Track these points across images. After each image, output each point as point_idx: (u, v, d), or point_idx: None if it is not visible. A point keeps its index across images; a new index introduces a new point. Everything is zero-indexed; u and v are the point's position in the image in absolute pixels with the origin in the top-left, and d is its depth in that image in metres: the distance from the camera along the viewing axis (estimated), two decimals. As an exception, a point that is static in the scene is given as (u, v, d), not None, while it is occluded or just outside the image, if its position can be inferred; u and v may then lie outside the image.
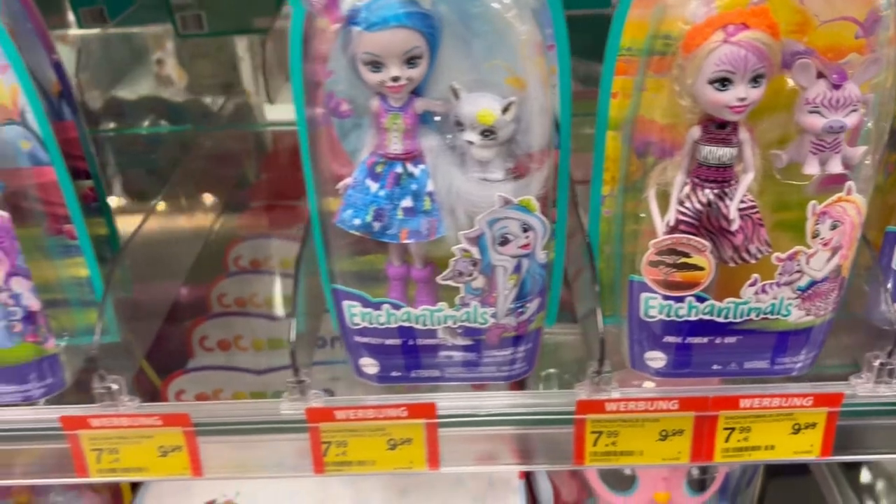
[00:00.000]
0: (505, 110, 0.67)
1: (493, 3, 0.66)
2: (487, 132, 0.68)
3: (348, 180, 0.73)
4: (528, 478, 1.14)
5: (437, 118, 0.71)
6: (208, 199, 1.50)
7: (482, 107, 0.67)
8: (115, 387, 0.77)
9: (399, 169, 0.71)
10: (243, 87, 1.66)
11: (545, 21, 0.68)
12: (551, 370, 1.14)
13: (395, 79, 0.66)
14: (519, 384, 0.91)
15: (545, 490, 1.07)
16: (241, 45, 1.90)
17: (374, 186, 0.72)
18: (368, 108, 0.71)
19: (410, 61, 0.66)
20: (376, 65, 0.66)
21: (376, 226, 0.72)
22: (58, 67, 0.81)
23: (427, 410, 0.77)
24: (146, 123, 1.75)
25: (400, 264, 0.78)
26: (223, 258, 1.41)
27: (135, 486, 1.15)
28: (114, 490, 1.13)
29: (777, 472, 1.32)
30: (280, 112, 1.84)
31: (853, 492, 1.32)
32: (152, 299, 1.01)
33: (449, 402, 0.78)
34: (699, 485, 1.03)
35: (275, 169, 1.80)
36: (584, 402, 0.76)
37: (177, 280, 1.14)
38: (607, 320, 0.83)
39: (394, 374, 0.81)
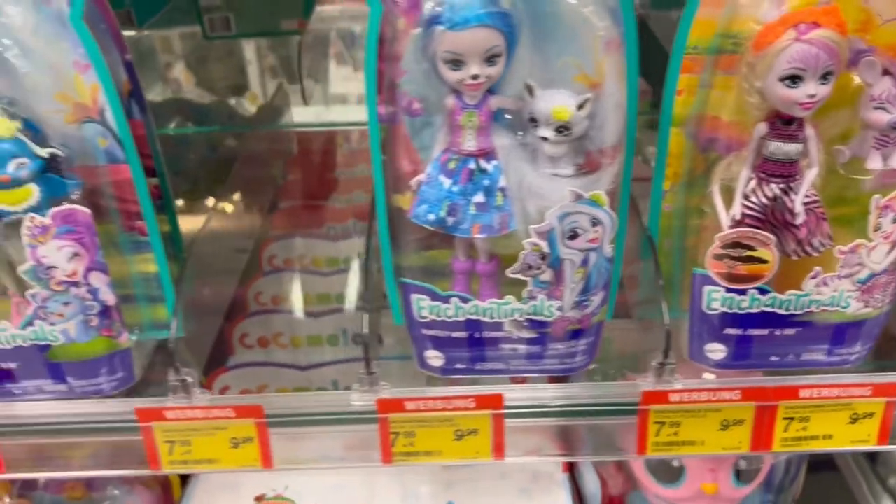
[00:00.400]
0: (580, 107, 0.69)
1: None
2: (562, 128, 0.69)
3: (422, 177, 0.74)
4: (571, 471, 1.16)
5: (508, 115, 0.73)
6: (254, 199, 1.52)
7: (557, 103, 0.69)
8: (189, 379, 0.79)
9: (472, 165, 0.73)
10: (284, 89, 1.67)
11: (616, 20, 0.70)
12: (593, 365, 1.16)
13: (475, 77, 0.68)
14: (560, 378, 0.92)
15: (592, 482, 1.09)
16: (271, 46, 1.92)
17: (447, 182, 0.73)
18: (440, 106, 0.73)
19: (490, 60, 0.67)
20: (457, 63, 0.67)
21: (450, 221, 0.74)
22: (129, 67, 0.82)
23: (494, 401, 0.79)
24: (172, 125, 1.77)
25: (465, 258, 0.80)
26: (258, 257, 1.43)
27: (184, 481, 1.17)
28: (164, 484, 1.14)
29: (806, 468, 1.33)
30: (307, 114, 1.87)
31: (881, 487, 1.33)
32: (213, 296, 1.03)
33: (514, 393, 0.79)
34: (746, 476, 1.05)
35: (303, 169, 1.82)
36: (649, 393, 0.78)
37: (233, 278, 1.16)
38: (655, 314, 0.85)
39: (458, 366, 0.83)
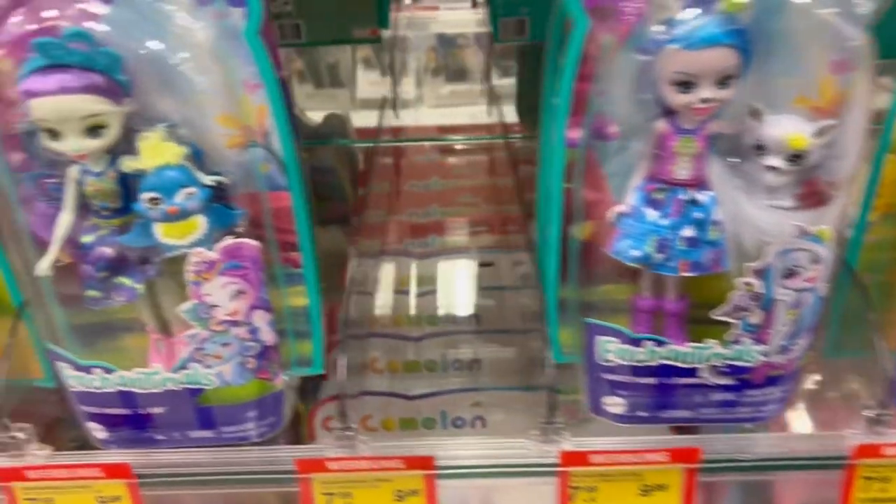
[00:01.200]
0: (819, 134, 0.62)
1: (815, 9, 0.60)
2: (796, 157, 0.62)
3: (622, 208, 0.68)
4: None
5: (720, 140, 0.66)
6: (331, 214, 1.46)
7: (792, 130, 0.62)
8: (354, 426, 0.72)
9: (682, 196, 0.66)
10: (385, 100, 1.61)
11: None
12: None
13: (706, 100, 0.61)
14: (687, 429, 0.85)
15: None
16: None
17: (652, 214, 0.67)
18: (639, 130, 0.66)
19: (723, 82, 0.60)
20: (687, 85, 0.61)
21: (658, 257, 0.67)
22: (283, 85, 0.76)
23: (690, 455, 0.72)
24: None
25: (652, 296, 0.73)
26: (341, 276, 1.36)
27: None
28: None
29: None
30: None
31: None
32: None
33: (712, 444, 0.72)
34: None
35: (373, 182, 1.75)
36: (863, 447, 0.71)
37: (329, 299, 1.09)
38: (846, 353, 0.78)
39: (640, 413, 0.75)
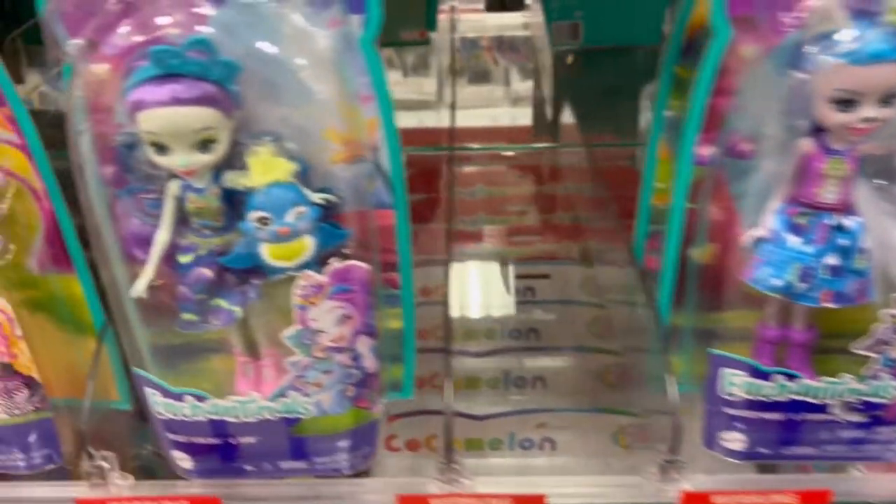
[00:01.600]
0: None
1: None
2: (959, 182, 0.58)
3: (761, 232, 0.63)
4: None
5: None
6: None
7: (955, 152, 0.57)
8: (458, 458, 0.68)
9: (828, 221, 0.61)
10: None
11: None
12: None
13: (867, 119, 0.56)
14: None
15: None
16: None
17: (794, 241, 0.62)
18: (776, 148, 0.62)
19: (887, 100, 0.56)
20: (848, 103, 0.56)
21: (800, 287, 0.62)
22: (386, 96, 0.71)
23: (821, 498, 0.67)
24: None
25: (777, 325, 0.68)
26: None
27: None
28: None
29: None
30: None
31: None
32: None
33: (844, 484, 0.67)
34: None
35: (419, 190, 1.70)
36: None
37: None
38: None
39: (761, 450, 0.71)
